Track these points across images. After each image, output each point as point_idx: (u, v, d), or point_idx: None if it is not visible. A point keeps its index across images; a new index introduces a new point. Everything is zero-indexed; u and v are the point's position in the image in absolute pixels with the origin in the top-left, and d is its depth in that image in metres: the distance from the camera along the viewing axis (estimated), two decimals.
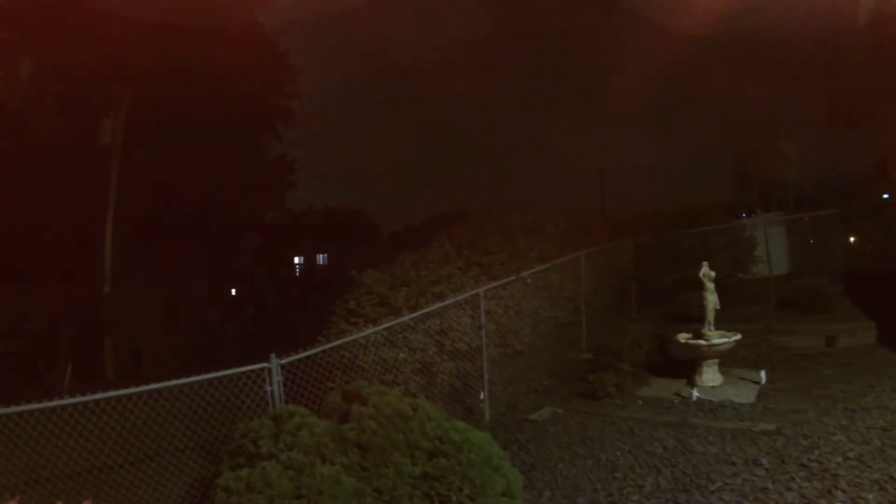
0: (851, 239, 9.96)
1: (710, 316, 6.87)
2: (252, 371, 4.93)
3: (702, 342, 6.66)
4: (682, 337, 7.01)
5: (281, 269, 23.35)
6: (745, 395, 6.25)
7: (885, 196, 10.23)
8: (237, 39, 16.07)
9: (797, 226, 10.36)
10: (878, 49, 8.67)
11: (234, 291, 19.17)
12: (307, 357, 5.37)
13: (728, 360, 7.00)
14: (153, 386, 4.53)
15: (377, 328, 6.01)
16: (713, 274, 6.94)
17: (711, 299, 6.88)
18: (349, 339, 5.82)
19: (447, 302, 6.54)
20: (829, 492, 4.09)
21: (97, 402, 4.39)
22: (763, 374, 6.58)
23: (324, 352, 5.63)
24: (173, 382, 4.64)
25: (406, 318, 6.23)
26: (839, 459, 4.55)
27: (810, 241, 10.22)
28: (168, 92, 15.11)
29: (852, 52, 8.92)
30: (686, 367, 7.13)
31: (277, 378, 4.98)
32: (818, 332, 7.81)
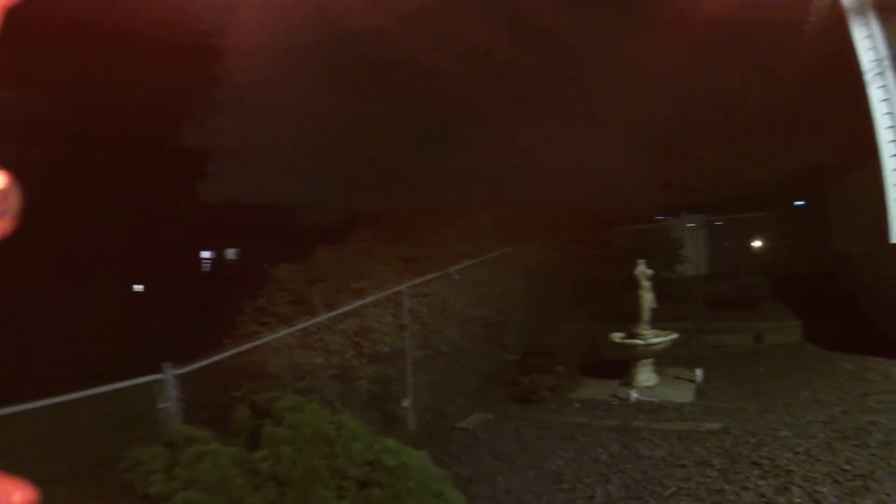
0: (774, 241, 10.44)
1: (646, 315, 6.71)
2: (142, 385, 3.97)
3: (638, 341, 6.46)
4: (617, 336, 6.79)
5: (192, 264, 21.58)
6: (683, 394, 6.11)
7: (801, 203, 10.87)
8: (151, 13, 14.37)
9: (723, 228, 10.71)
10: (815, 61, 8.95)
11: (140, 288, 17.44)
12: (210, 364, 4.49)
13: (661, 360, 6.86)
14: (15, 408, 3.45)
15: (290, 329, 5.25)
16: (649, 272, 6.80)
17: (647, 298, 6.72)
18: (259, 342, 5.00)
19: (368, 300, 5.90)
20: (786, 488, 3.96)
21: None
22: (699, 372, 6.49)
23: (231, 357, 4.78)
24: (38, 404, 3.56)
25: (322, 317, 5.52)
26: (789, 455, 4.45)
27: (736, 243, 10.60)
28: (68, 68, 13.13)
29: (790, 60, 9.26)
30: (620, 367, 6.94)
31: (173, 392, 4.06)
32: (748, 330, 7.96)
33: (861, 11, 6.02)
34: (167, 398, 4.03)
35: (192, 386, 4.38)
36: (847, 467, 4.15)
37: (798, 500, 3.82)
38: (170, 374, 4.06)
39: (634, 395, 6.05)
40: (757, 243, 10.40)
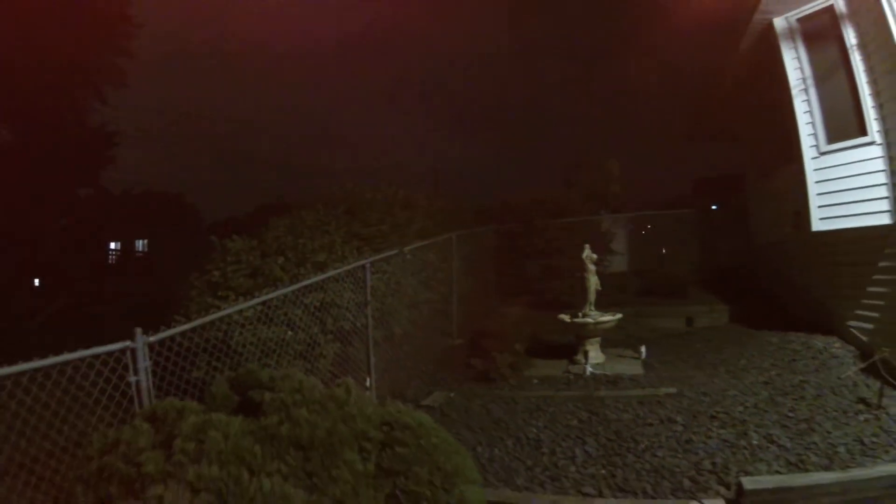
0: (695, 237, 11.80)
1: (592, 296, 7.36)
2: (107, 354, 3.61)
3: (589, 319, 7.09)
4: (566, 316, 7.38)
5: (96, 255, 19.93)
6: (632, 368, 6.79)
7: (715, 206, 12.34)
8: None
9: (646, 224, 11.85)
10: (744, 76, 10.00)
11: (37, 282, 15.75)
12: (178, 334, 4.25)
13: (603, 341, 7.51)
14: None
15: (256, 300, 5.07)
16: (595, 256, 7.49)
17: (593, 280, 7.39)
18: (226, 312, 4.79)
19: (331, 273, 5.92)
20: (745, 434, 4.68)
21: None
22: (643, 349, 7.23)
23: (193, 330, 4.56)
24: None
25: (288, 289, 5.42)
26: (741, 409, 5.21)
27: (659, 239, 11.79)
28: None
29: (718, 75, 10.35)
30: (564, 349, 7.54)
31: (145, 363, 3.78)
32: (680, 313, 9.00)
33: (790, 36, 7.25)
34: (139, 370, 3.75)
35: (162, 358, 4.19)
36: (791, 415, 4.96)
37: (756, 442, 4.52)
38: (141, 341, 3.76)
39: (589, 368, 6.63)
40: (679, 239, 11.69)
